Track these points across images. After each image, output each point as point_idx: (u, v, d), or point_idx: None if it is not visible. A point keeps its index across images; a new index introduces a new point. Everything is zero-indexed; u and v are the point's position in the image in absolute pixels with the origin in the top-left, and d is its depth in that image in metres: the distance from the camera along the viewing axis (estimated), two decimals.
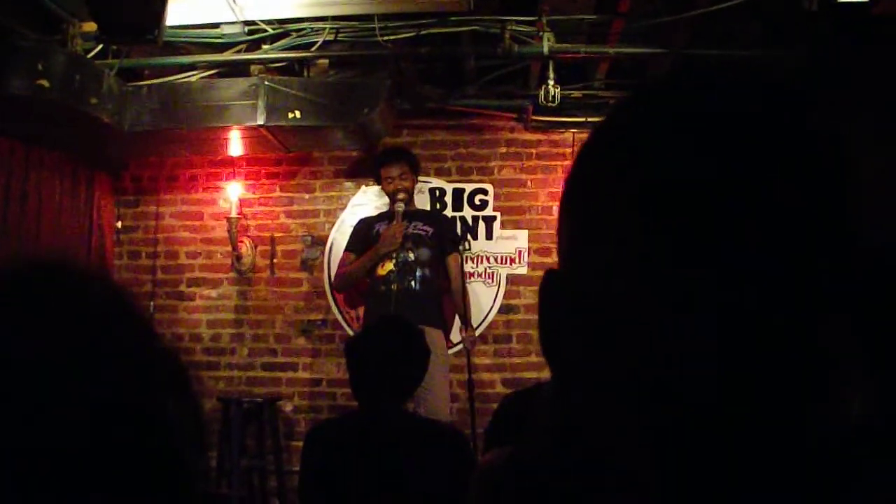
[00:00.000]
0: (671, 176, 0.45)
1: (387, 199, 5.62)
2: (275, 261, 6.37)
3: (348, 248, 5.56)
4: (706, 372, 0.43)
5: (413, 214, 5.46)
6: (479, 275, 6.16)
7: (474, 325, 5.62)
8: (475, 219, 6.24)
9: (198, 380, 6.09)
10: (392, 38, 4.97)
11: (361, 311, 5.79)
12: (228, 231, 6.14)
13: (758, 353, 0.42)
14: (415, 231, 5.33)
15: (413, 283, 5.23)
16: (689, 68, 0.51)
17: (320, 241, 6.34)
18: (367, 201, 6.27)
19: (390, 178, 5.41)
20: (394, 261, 5.21)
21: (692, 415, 0.44)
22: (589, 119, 6.06)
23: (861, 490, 0.42)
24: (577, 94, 5.85)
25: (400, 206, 5.30)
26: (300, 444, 3.78)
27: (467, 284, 5.52)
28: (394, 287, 5.14)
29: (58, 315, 0.74)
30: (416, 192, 5.65)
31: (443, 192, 6.29)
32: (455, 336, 5.69)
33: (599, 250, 0.49)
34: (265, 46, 5.17)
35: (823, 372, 0.42)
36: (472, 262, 6.13)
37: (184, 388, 0.82)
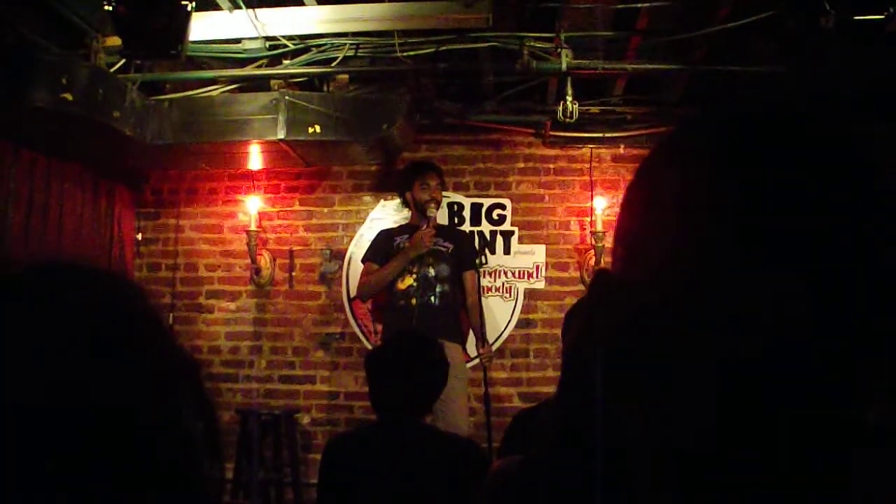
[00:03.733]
0: (755, 187, 0.46)
1: (405, 213, 5.66)
2: (293, 274, 6.40)
3: (369, 259, 5.55)
4: (773, 378, 0.44)
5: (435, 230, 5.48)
6: (497, 289, 6.17)
7: (491, 340, 5.62)
8: (493, 233, 6.25)
9: (214, 388, 6.11)
10: (411, 53, 5.00)
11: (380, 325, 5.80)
12: (248, 244, 6.17)
13: (832, 366, 0.43)
14: (435, 247, 5.34)
15: (432, 298, 5.24)
16: (759, 88, 0.52)
17: (339, 255, 6.36)
18: (385, 215, 6.30)
19: (427, 185, 5.39)
20: (414, 276, 5.23)
21: (748, 425, 0.46)
22: (606, 134, 6.08)
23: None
24: (594, 109, 5.86)
25: (432, 211, 5.31)
26: (317, 456, 3.79)
27: (483, 300, 5.52)
28: (413, 301, 5.16)
29: (70, 313, 0.75)
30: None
31: (461, 206, 6.31)
32: (472, 351, 5.69)
33: (670, 255, 0.50)
34: (286, 62, 5.21)
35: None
36: (490, 277, 6.14)
37: (198, 390, 0.82)
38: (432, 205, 5.34)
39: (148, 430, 0.73)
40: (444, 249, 5.37)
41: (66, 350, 0.72)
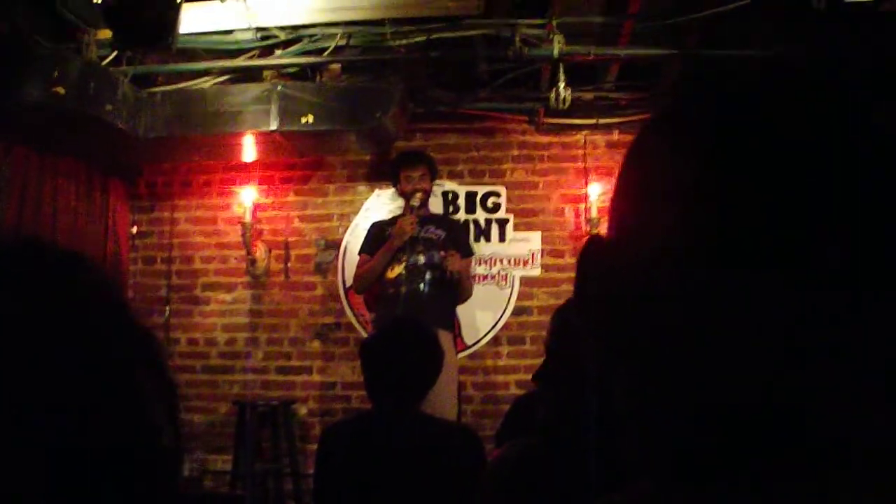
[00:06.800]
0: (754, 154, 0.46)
1: (400, 203, 5.64)
2: (289, 265, 6.39)
3: (363, 251, 5.54)
4: (769, 363, 0.44)
5: (426, 219, 5.46)
6: (493, 277, 6.16)
7: (487, 328, 5.59)
8: (488, 221, 6.25)
9: (211, 381, 6.11)
10: (404, 42, 4.98)
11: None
12: (242, 235, 6.17)
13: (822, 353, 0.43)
14: (427, 235, 5.33)
15: (422, 285, 5.21)
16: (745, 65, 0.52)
17: (334, 245, 6.36)
18: (380, 205, 6.29)
19: (410, 177, 5.40)
20: (403, 264, 5.21)
21: (727, 407, 0.45)
22: (600, 121, 6.08)
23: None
24: (588, 95, 5.85)
25: (416, 201, 5.30)
26: (315, 446, 3.79)
27: (477, 288, 5.53)
28: (403, 290, 5.13)
29: (20, 291, 0.74)
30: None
31: (455, 194, 6.30)
32: (468, 339, 5.69)
33: (657, 235, 0.49)
34: (278, 52, 5.20)
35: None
36: (486, 265, 6.14)
37: (157, 366, 0.81)
38: (417, 194, 5.33)
39: (100, 412, 0.72)
40: (434, 237, 5.35)
41: (16, 326, 0.71)
